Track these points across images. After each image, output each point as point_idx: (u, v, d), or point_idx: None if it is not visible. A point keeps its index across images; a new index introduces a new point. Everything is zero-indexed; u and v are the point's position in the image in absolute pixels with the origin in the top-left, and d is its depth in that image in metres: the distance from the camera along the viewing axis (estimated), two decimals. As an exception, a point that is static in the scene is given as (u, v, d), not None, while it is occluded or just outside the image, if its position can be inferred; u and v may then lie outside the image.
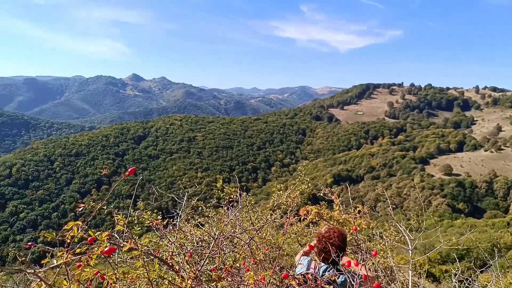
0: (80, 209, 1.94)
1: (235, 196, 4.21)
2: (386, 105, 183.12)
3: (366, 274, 2.44)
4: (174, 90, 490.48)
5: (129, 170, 1.95)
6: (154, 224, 2.45)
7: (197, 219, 3.96)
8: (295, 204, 3.45)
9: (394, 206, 6.54)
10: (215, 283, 2.20)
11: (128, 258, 2.43)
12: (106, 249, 1.74)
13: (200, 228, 4.03)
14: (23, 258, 1.44)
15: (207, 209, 4.30)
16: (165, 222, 2.71)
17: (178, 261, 2.14)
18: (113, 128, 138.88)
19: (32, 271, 1.61)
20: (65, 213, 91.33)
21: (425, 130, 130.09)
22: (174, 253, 2.22)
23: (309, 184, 4.76)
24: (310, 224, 6.07)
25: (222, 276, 2.27)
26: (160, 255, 2.21)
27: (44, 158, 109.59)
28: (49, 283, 1.57)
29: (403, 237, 4.76)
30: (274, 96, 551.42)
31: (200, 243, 2.91)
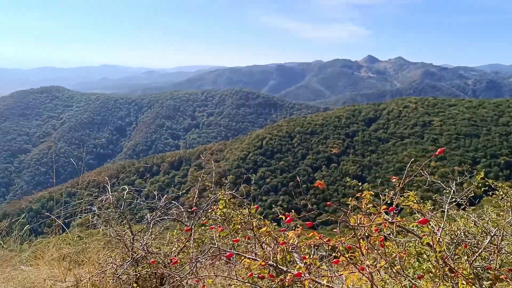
0: (393, 180, 2.19)
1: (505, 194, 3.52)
2: None
3: None
4: (411, 71, 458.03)
5: (438, 150, 2.09)
6: (415, 207, 2.36)
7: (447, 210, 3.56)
8: None
9: None
10: (490, 282, 1.92)
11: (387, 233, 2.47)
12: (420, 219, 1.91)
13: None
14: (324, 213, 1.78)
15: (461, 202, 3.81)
16: (429, 206, 2.58)
17: (445, 249, 1.99)
18: (345, 109, 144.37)
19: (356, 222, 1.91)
20: (299, 184, 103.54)
21: None
22: (440, 240, 2.08)
23: None
24: None
25: (500, 276, 1.95)
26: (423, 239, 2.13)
27: (286, 134, 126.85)
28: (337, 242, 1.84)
29: None
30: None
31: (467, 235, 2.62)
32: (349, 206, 2.06)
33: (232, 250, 2.44)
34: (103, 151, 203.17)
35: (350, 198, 2.01)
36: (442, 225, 2.21)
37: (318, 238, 1.88)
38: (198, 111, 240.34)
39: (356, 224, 1.87)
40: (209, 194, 4.12)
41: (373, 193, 2.01)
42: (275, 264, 2.07)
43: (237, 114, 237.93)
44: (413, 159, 2.25)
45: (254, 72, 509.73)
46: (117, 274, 3.58)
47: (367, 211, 1.94)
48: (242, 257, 2.26)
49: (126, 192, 4.66)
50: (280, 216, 2.38)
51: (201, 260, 2.75)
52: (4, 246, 4.81)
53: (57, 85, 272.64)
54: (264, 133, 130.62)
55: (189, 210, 4.52)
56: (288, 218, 2.11)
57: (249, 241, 3.51)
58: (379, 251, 1.89)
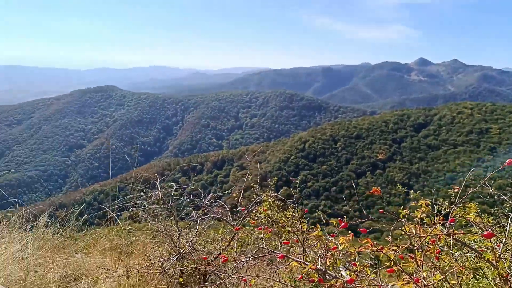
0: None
1: None
2: None
3: None
4: (467, 74, 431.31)
5: (507, 161, 1.99)
6: (476, 220, 2.22)
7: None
8: None
9: None
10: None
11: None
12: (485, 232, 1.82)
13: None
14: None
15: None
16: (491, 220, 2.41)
17: (505, 267, 1.85)
18: (393, 114, 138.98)
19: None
20: (342, 189, 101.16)
21: None
22: (502, 256, 1.93)
23: None
24: None
25: None
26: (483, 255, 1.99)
27: (329, 138, 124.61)
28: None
29: None
30: None
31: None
32: (401, 215, 1.98)
33: (281, 252, 2.43)
34: (151, 149, 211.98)
35: (402, 207, 1.93)
36: (504, 240, 2.05)
37: (370, 245, 1.82)
38: (242, 113, 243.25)
39: (412, 234, 1.79)
40: (254, 195, 4.15)
41: (429, 203, 1.94)
42: (323, 269, 2.03)
43: (280, 116, 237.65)
44: (472, 168, 2.13)
45: (299, 74, 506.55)
46: (164, 268, 3.71)
47: (421, 221, 1.85)
48: (290, 260, 2.24)
49: (174, 189, 4.83)
50: (331, 220, 2.33)
51: (247, 260, 2.77)
52: (63, 234, 5.16)
53: (111, 85, 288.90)
54: (307, 136, 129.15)
55: (234, 209, 4.58)
56: (342, 224, 2.06)
57: (293, 244, 3.49)
58: (434, 264, 1.80)
